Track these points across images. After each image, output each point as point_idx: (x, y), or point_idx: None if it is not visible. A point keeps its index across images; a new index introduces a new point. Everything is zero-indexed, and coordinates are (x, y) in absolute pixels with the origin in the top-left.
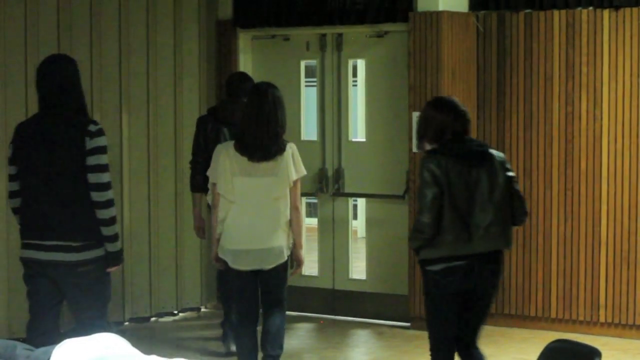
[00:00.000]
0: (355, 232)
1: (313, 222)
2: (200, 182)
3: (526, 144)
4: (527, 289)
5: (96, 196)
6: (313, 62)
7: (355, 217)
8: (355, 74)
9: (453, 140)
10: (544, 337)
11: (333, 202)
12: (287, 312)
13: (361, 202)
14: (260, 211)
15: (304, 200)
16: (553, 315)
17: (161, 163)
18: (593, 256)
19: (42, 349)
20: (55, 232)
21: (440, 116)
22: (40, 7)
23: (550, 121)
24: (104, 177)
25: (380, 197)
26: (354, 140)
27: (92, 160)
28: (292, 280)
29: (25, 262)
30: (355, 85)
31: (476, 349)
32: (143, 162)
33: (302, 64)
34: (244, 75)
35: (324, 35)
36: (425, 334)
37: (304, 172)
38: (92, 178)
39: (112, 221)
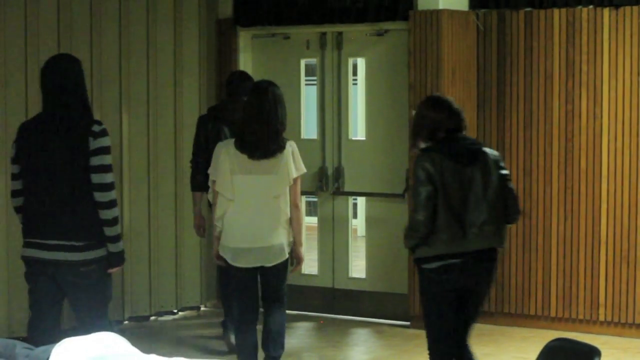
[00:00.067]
0: (355, 230)
1: (313, 220)
2: (200, 181)
3: (526, 142)
4: (527, 288)
5: (99, 196)
6: (313, 60)
7: (355, 215)
8: (355, 73)
9: (447, 138)
10: (544, 336)
11: (333, 200)
12: (287, 311)
13: (361, 201)
14: (261, 209)
15: (304, 198)
16: (553, 314)
17: (161, 162)
18: (593, 255)
19: (41, 348)
20: (58, 232)
21: (433, 115)
22: (41, 7)
23: (550, 119)
24: (108, 178)
25: (380, 196)
26: (354, 138)
27: (95, 161)
28: (291, 279)
29: (27, 260)
30: (355, 84)
31: (466, 346)
32: (143, 161)
33: (302, 62)
34: (244, 75)
35: (324, 33)
36: (425, 333)
37: (304, 169)
38: (96, 178)
39: (114, 221)
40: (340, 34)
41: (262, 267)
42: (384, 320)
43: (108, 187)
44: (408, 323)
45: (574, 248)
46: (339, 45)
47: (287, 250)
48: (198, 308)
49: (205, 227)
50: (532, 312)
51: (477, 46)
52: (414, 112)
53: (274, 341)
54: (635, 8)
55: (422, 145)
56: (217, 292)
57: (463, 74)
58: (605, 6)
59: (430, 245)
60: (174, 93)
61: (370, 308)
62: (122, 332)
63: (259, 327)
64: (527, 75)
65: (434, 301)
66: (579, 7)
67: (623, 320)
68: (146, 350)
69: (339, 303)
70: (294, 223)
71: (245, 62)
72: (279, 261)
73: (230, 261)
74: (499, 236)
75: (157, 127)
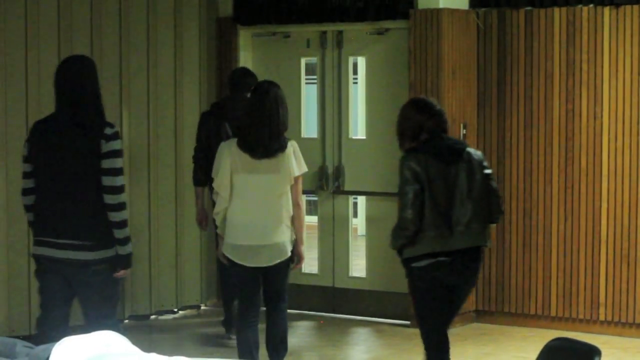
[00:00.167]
0: (356, 229)
1: (313, 219)
2: (201, 177)
3: (526, 141)
4: (527, 287)
5: (109, 199)
6: (313, 59)
7: (355, 214)
8: (355, 72)
9: (430, 139)
10: (544, 336)
11: (333, 199)
12: (287, 310)
13: (361, 200)
14: (264, 207)
15: (304, 197)
16: (553, 313)
17: (161, 161)
18: (593, 254)
19: (41, 347)
20: (70, 231)
21: (416, 116)
22: (41, 6)
23: (550, 119)
24: (118, 180)
25: (380, 195)
26: (354, 137)
27: (106, 164)
28: (291, 278)
29: (38, 258)
30: (356, 83)
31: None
32: (143, 159)
33: (303, 61)
34: (246, 71)
35: (324, 32)
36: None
37: (305, 169)
38: (106, 181)
39: (123, 224)
40: (340, 32)
41: (264, 266)
42: (384, 320)
43: (118, 189)
44: (408, 322)
45: (574, 247)
46: (339, 44)
47: (289, 248)
48: (198, 307)
49: (207, 221)
50: (533, 312)
51: (477, 45)
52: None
53: (279, 345)
54: (635, 7)
55: (407, 146)
56: (217, 291)
57: (463, 73)
58: (606, 5)
59: (418, 243)
60: (174, 92)
61: (370, 307)
62: (123, 331)
63: (261, 326)
64: (528, 74)
65: (426, 298)
66: (580, 6)
67: (623, 320)
68: (146, 349)
69: (339, 302)
70: (295, 221)
71: (246, 61)
72: (281, 260)
73: (232, 258)
74: (483, 235)
75: (158, 126)
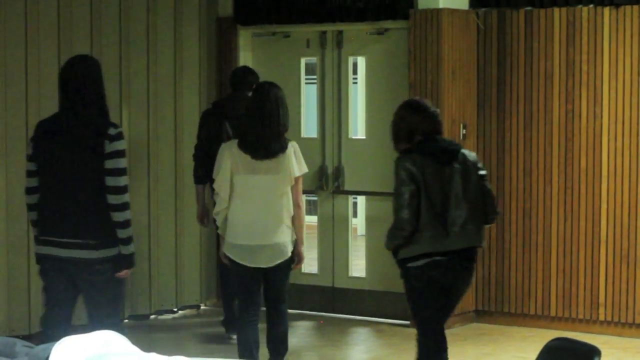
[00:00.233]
0: (355, 229)
1: (313, 219)
2: (202, 175)
3: (526, 142)
4: (527, 287)
5: (112, 199)
6: (313, 59)
7: (355, 214)
8: (355, 72)
9: (425, 140)
10: (544, 336)
11: (333, 199)
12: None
13: (361, 200)
14: (265, 208)
15: (304, 197)
16: (553, 313)
17: (161, 161)
18: (593, 254)
19: (41, 346)
20: (73, 230)
21: (410, 117)
22: (41, 6)
23: (550, 119)
24: (121, 181)
25: (380, 195)
26: (354, 137)
27: (110, 164)
28: (291, 278)
29: (43, 258)
30: (356, 83)
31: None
32: (143, 159)
33: (303, 61)
34: (247, 69)
35: (324, 32)
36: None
37: (305, 169)
38: (110, 181)
39: (126, 224)
40: (340, 32)
41: (265, 267)
42: (384, 320)
43: (121, 190)
44: (407, 322)
45: (574, 248)
46: (339, 44)
47: (290, 248)
48: (198, 307)
49: (208, 218)
50: (532, 312)
51: (477, 45)
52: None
53: (279, 346)
54: (635, 7)
55: (402, 147)
56: (217, 291)
57: (463, 73)
58: (606, 5)
59: (414, 243)
60: (174, 91)
61: (370, 307)
62: (122, 331)
63: (261, 326)
64: (527, 75)
65: (423, 298)
66: (579, 6)
67: (623, 320)
68: (146, 348)
69: (338, 302)
70: (295, 221)
71: (246, 61)
72: (281, 260)
73: (233, 257)
74: (479, 236)
75: (157, 126)
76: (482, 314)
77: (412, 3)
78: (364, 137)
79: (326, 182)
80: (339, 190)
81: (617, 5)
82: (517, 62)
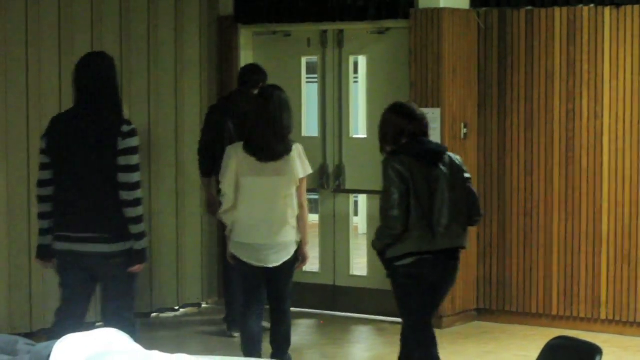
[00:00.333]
0: (356, 228)
1: (314, 218)
2: (207, 169)
3: (527, 141)
4: (528, 286)
5: (125, 195)
6: (314, 58)
7: (356, 213)
8: (356, 71)
9: (411, 142)
10: (545, 334)
11: (334, 198)
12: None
13: (362, 199)
14: (270, 208)
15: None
16: (554, 312)
17: (162, 160)
18: (594, 253)
19: (43, 344)
20: (88, 225)
21: (397, 120)
22: (42, 4)
23: (551, 119)
24: (134, 177)
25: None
26: (354, 136)
27: (122, 161)
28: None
29: (59, 253)
30: (357, 82)
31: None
32: (144, 158)
33: (303, 60)
34: (254, 67)
35: (325, 31)
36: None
37: (310, 170)
38: (122, 178)
39: (139, 220)
40: (341, 31)
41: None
42: (385, 318)
43: (134, 186)
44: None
45: (575, 246)
46: (340, 43)
47: (294, 248)
48: (199, 305)
49: (216, 207)
50: (534, 311)
51: (478, 45)
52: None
53: (282, 345)
54: (636, 7)
55: (389, 149)
56: (219, 289)
57: (464, 72)
58: (607, 5)
59: (403, 242)
60: (175, 90)
61: (371, 305)
62: (135, 324)
63: (265, 324)
64: (528, 74)
65: (412, 295)
66: (580, 5)
67: (624, 319)
68: (148, 346)
69: (340, 300)
70: (300, 222)
71: (246, 60)
72: (286, 259)
73: (239, 256)
74: (463, 237)
75: (158, 124)
76: (483, 313)
77: (413, 2)
78: (365, 136)
79: (327, 181)
80: (340, 189)
81: (618, 5)
82: (517, 61)
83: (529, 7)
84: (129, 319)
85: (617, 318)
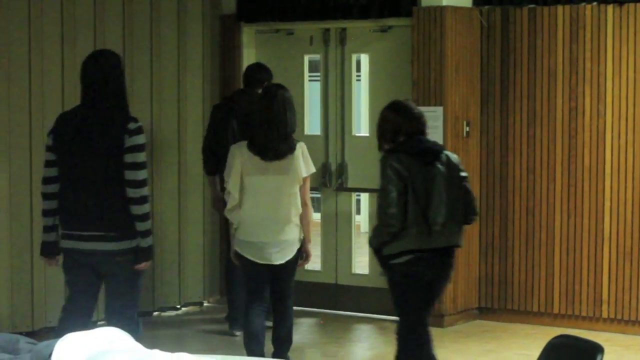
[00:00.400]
0: (359, 226)
1: (316, 216)
2: (212, 167)
3: (529, 139)
4: (530, 285)
5: (131, 192)
6: (317, 56)
7: (358, 211)
8: (358, 69)
9: (408, 140)
10: (547, 333)
11: (336, 196)
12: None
13: (364, 197)
14: (274, 207)
15: None
16: (556, 311)
17: (164, 158)
18: (596, 252)
19: (44, 343)
20: (95, 223)
21: (394, 118)
22: (44, 2)
23: (553, 117)
24: (140, 175)
25: None
26: (357, 135)
27: (129, 158)
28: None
29: (66, 252)
30: (359, 80)
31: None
32: (146, 156)
33: (306, 58)
34: (259, 66)
35: (327, 29)
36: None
37: (313, 169)
38: (129, 175)
39: (145, 217)
40: (343, 30)
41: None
42: (387, 317)
43: (140, 183)
44: None
45: (577, 245)
46: (342, 41)
47: (298, 245)
48: (201, 304)
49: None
50: (535, 309)
51: (480, 43)
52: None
53: (284, 343)
54: (639, 5)
55: (387, 147)
56: (220, 288)
57: (466, 70)
58: (609, 3)
59: (400, 240)
60: (178, 88)
61: (373, 304)
62: (138, 323)
63: (267, 323)
64: (531, 72)
65: (408, 293)
66: (583, 4)
67: (626, 318)
68: (149, 345)
69: (341, 299)
70: (303, 220)
71: (249, 58)
72: (290, 257)
73: (244, 254)
74: (458, 235)
75: (161, 123)
76: (485, 311)
77: (416, 0)
78: (367, 135)
79: (329, 179)
80: (342, 188)
81: (621, 3)
82: (520, 59)
83: (532, 5)
84: (133, 317)
85: (619, 317)
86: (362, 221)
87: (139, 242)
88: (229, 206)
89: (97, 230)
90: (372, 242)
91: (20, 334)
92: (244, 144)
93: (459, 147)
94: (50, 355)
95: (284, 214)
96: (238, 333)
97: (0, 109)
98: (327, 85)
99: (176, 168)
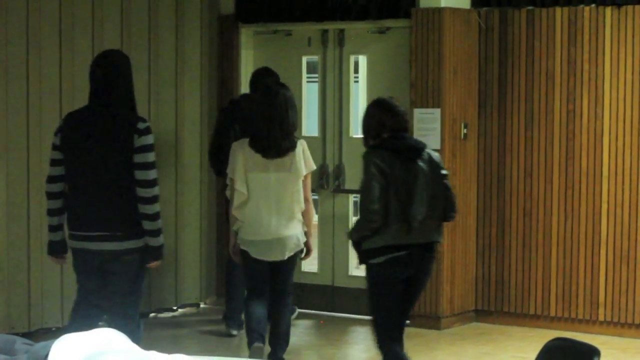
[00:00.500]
0: None
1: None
2: (218, 169)
3: (527, 141)
4: (527, 287)
5: (142, 192)
6: (315, 57)
7: (355, 213)
8: (356, 70)
9: (392, 137)
10: (543, 336)
11: (333, 198)
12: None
13: None
14: (277, 203)
15: None
16: (552, 313)
17: (161, 159)
18: (593, 255)
19: (41, 344)
20: (101, 223)
21: (379, 115)
22: (42, 3)
23: (551, 119)
24: (151, 174)
25: None
26: (354, 136)
27: (139, 158)
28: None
29: (75, 252)
30: (357, 82)
31: (402, 332)
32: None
33: (304, 59)
34: (265, 71)
35: (325, 31)
36: (424, 332)
37: (313, 167)
38: (139, 175)
39: (156, 216)
40: (342, 31)
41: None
42: None
43: (151, 183)
44: (407, 322)
45: (574, 248)
46: (340, 42)
47: (301, 240)
48: (197, 305)
49: None
50: (532, 312)
51: (478, 44)
52: (416, 111)
53: (283, 343)
54: (637, 7)
55: (372, 142)
56: (217, 290)
57: (464, 72)
58: (607, 5)
59: (379, 234)
60: (175, 88)
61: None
62: (139, 323)
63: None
64: (529, 74)
65: (383, 293)
66: (581, 5)
67: (622, 321)
68: (146, 346)
69: (338, 301)
70: (304, 215)
71: (247, 59)
72: (294, 252)
73: (251, 253)
74: (438, 231)
75: (159, 124)
76: (481, 314)
77: (414, 2)
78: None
79: (327, 181)
80: (340, 189)
81: (619, 5)
82: (518, 61)
83: (530, 7)
84: (134, 317)
85: (616, 320)
86: None
87: (148, 241)
88: (236, 203)
89: (103, 230)
90: (352, 236)
91: (17, 334)
92: (245, 141)
93: (457, 149)
94: (46, 356)
95: (287, 211)
96: (235, 332)
97: None
98: (325, 87)
99: (173, 169)
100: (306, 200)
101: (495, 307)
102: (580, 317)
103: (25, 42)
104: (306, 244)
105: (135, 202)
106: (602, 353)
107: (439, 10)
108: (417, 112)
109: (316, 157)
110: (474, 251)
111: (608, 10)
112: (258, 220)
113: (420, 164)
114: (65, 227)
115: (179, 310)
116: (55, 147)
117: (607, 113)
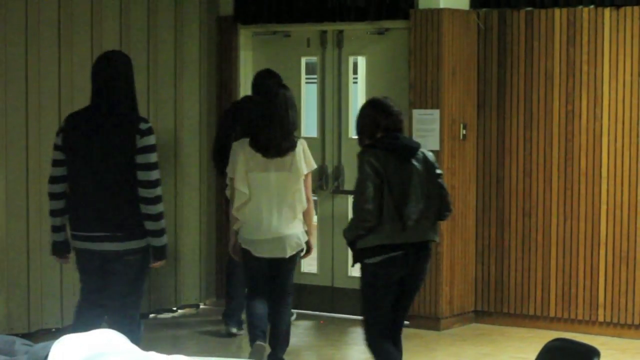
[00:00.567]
0: None
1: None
2: (220, 170)
3: (526, 142)
4: (526, 288)
5: (145, 192)
6: (314, 58)
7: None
8: (355, 71)
9: (386, 137)
10: (543, 336)
11: (332, 199)
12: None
13: None
14: (278, 203)
15: None
16: (552, 314)
17: (160, 160)
18: (592, 255)
19: (41, 345)
20: (102, 224)
21: (373, 114)
22: (41, 3)
23: (550, 120)
24: (153, 175)
25: None
26: (354, 137)
27: (141, 159)
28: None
29: (78, 252)
30: (356, 83)
31: (399, 331)
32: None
33: (303, 60)
34: (267, 72)
35: (324, 32)
36: (424, 332)
37: (314, 166)
38: (141, 175)
39: (159, 216)
40: (341, 32)
41: (279, 258)
42: None
43: (153, 184)
44: (407, 322)
45: (573, 248)
46: (339, 43)
47: (303, 239)
48: (197, 306)
49: None
50: (531, 312)
51: (477, 45)
52: (415, 112)
53: (283, 342)
54: (636, 8)
55: (366, 142)
56: (216, 291)
57: (463, 73)
58: (606, 6)
59: (374, 234)
60: (174, 90)
61: None
62: (139, 324)
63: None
64: (528, 75)
65: (377, 293)
66: (580, 7)
67: (622, 321)
68: (145, 347)
69: (338, 302)
70: (305, 215)
71: (246, 60)
72: (295, 251)
73: (253, 252)
74: (432, 230)
75: (157, 125)
76: (481, 315)
77: (413, 3)
78: None
79: (326, 182)
80: (339, 190)
81: (618, 6)
82: (517, 62)
83: (529, 8)
84: (134, 318)
85: (615, 320)
86: None
87: (152, 241)
88: (237, 204)
89: (104, 230)
90: (346, 235)
91: (16, 335)
92: (245, 141)
93: (456, 150)
94: (46, 357)
95: (287, 210)
96: (234, 330)
97: None
98: (324, 88)
99: (172, 170)
100: (307, 199)
101: (494, 307)
102: (579, 317)
103: (24, 42)
104: (307, 242)
105: (137, 203)
106: (602, 354)
107: (438, 11)
108: (416, 113)
109: (315, 158)
110: (474, 252)
111: (607, 11)
112: (259, 219)
113: (415, 163)
114: (68, 227)
115: (179, 311)
116: (57, 148)
117: (606, 114)
